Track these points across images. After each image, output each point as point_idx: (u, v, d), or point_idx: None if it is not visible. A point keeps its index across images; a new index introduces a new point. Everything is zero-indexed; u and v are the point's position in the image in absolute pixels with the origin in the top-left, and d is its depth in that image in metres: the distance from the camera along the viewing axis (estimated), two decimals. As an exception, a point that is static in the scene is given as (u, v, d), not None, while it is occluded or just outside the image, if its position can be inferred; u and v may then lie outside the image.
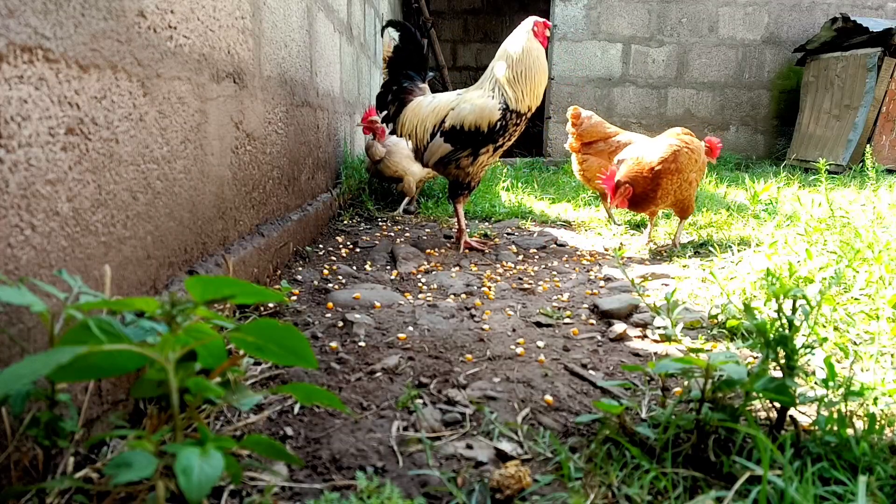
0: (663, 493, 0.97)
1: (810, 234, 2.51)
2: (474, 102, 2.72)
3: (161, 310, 0.80)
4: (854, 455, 1.00)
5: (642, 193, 2.75)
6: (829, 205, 2.77)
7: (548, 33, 2.74)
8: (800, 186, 4.66)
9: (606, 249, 2.96)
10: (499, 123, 2.67)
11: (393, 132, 2.97)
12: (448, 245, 2.99)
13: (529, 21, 2.71)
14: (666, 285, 2.28)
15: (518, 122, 2.70)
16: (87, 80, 1.04)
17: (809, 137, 6.64)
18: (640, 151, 2.82)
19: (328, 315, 1.86)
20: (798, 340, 1.11)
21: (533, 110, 2.72)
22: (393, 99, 2.92)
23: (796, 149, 6.75)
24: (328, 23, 3.38)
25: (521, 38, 2.66)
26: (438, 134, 2.75)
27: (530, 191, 4.72)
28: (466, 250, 2.86)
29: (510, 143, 2.81)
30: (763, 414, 1.21)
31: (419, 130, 2.79)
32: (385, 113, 3.00)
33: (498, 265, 2.62)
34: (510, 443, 1.15)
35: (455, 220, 3.04)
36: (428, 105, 2.83)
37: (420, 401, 1.30)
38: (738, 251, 2.59)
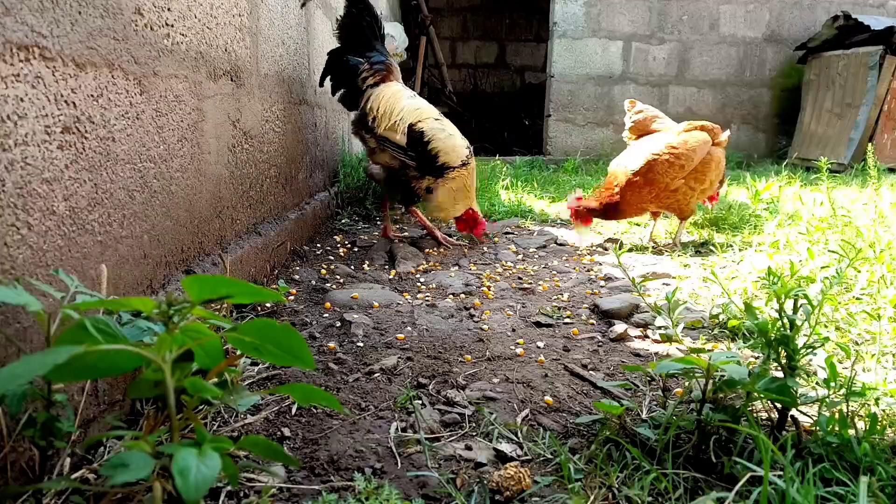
0: (664, 494, 0.97)
1: (812, 233, 2.50)
2: (454, 136, 2.75)
3: (158, 309, 0.79)
4: (856, 456, 0.99)
5: (612, 207, 2.83)
6: (830, 204, 2.76)
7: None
8: (801, 185, 4.65)
9: (606, 249, 2.95)
10: (453, 165, 2.76)
11: (357, 105, 2.77)
12: (448, 245, 2.98)
13: None
14: (667, 285, 2.27)
15: (452, 175, 2.80)
16: (83, 78, 1.04)
17: (811, 136, 6.63)
18: (621, 161, 2.88)
19: (326, 315, 1.85)
20: (799, 340, 1.10)
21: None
22: (376, 71, 2.74)
23: (798, 147, 6.74)
24: (326, 20, 3.38)
25: None
26: (407, 132, 2.70)
27: (530, 189, 4.71)
28: (447, 246, 2.90)
29: (429, 186, 2.87)
30: (764, 414, 1.21)
31: (395, 119, 2.69)
32: (340, 88, 2.82)
33: (497, 265, 2.61)
34: (510, 444, 1.14)
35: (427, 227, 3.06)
36: (410, 99, 2.76)
37: (419, 401, 1.30)
38: (740, 250, 2.58)
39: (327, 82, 2.88)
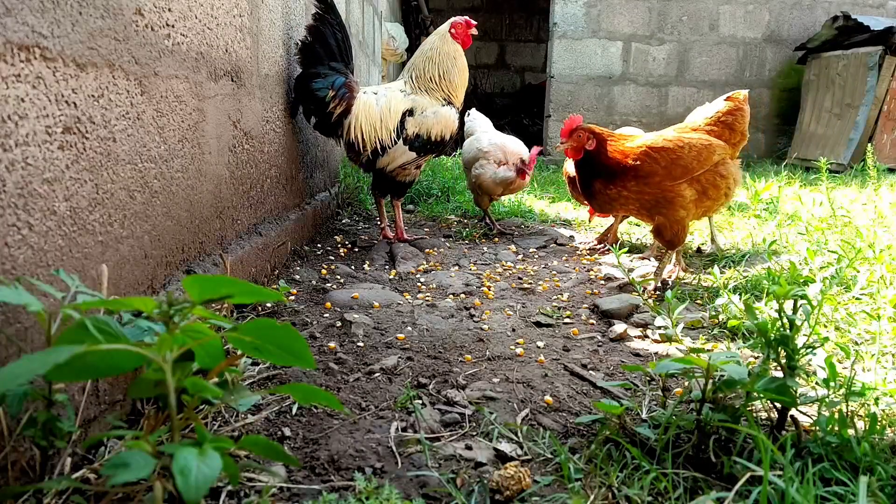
0: (664, 493, 0.97)
1: (811, 233, 2.50)
2: (438, 112, 2.73)
3: (158, 309, 0.79)
4: (855, 455, 0.99)
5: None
6: (830, 204, 2.76)
7: (473, 32, 2.97)
8: (801, 185, 4.65)
9: (607, 250, 2.95)
10: (447, 137, 2.77)
11: (338, 132, 2.67)
12: (448, 245, 2.98)
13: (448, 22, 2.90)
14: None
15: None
16: (84, 78, 1.04)
17: (810, 136, 6.63)
18: None
19: (326, 315, 1.86)
20: (799, 340, 1.10)
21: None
22: (340, 99, 2.58)
23: (797, 148, 6.74)
24: (328, 21, 3.36)
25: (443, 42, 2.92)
26: (402, 141, 2.66)
27: (530, 190, 4.71)
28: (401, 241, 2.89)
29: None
30: (764, 414, 1.21)
31: (381, 133, 2.65)
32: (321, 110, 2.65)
33: (497, 265, 2.62)
34: (510, 443, 1.14)
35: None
36: (378, 104, 2.68)
37: (419, 401, 1.30)
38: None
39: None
